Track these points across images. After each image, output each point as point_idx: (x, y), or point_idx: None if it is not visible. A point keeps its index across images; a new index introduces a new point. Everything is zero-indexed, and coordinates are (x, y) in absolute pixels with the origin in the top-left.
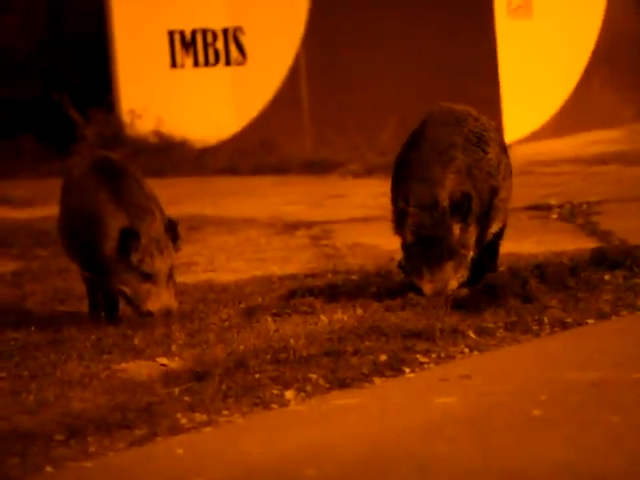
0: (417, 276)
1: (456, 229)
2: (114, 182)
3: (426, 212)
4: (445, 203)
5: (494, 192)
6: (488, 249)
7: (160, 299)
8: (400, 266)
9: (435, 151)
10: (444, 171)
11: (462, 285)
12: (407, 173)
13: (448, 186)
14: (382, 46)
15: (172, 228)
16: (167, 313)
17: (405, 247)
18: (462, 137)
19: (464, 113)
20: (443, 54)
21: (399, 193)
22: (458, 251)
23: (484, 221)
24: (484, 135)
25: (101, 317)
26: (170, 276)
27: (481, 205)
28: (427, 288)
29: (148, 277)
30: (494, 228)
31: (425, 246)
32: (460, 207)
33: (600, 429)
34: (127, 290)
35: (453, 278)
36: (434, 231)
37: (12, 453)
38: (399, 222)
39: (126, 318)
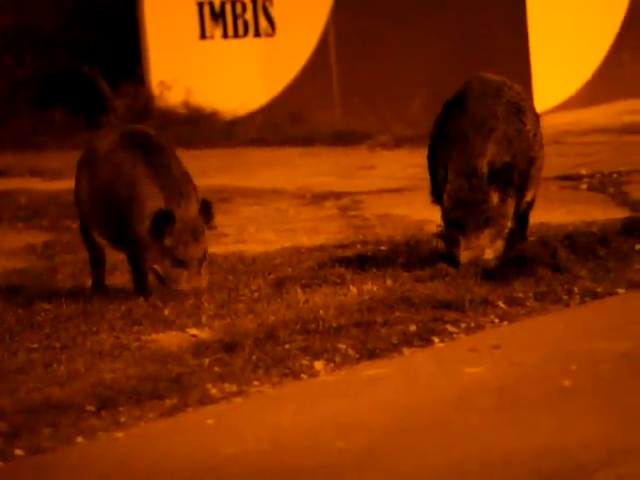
0: (454, 243)
1: (494, 197)
2: (150, 157)
3: (465, 180)
4: (484, 171)
5: (532, 162)
6: (519, 218)
7: (191, 283)
8: (439, 235)
9: (476, 121)
10: (484, 141)
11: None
12: (447, 142)
13: (488, 156)
14: (411, 17)
15: (206, 209)
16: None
17: (444, 214)
18: (502, 107)
19: (500, 83)
20: (473, 24)
21: (438, 162)
22: (496, 219)
23: (521, 191)
24: (522, 105)
25: (104, 289)
26: (203, 259)
27: (520, 176)
28: (463, 256)
29: (180, 262)
30: (528, 197)
31: (463, 214)
32: (499, 176)
33: (630, 399)
34: (159, 269)
35: (489, 247)
36: (472, 197)
37: (44, 424)
38: (437, 190)
39: (156, 289)
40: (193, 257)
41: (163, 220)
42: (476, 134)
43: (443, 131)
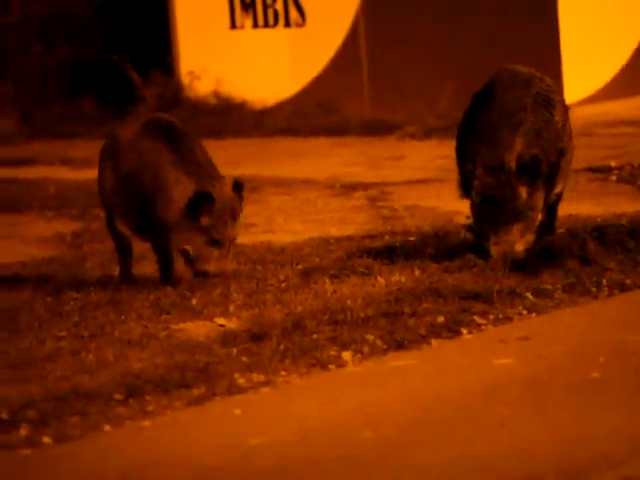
0: (484, 238)
1: (523, 192)
2: (175, 144)
3: (493, 174)
4: (512, 165)
5: (561, 154)
6: (548, 210)
7: (220, 263)
8: (469, 228)
9: (504, 114)
10: (513, 134)
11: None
12: (475, 135)
13: (516, 149)
14: (442, 8)
15: (238, 189)
16: (222, 274)
17: (473, 209)
18: (531, 99)
19: (530, 75)
20: (504, 17)
21: (466, 155)
22: (525, 214)
23: (550, 183)
24: (551, 97)
25: (131, 278)
26: (234, 241)
27: (549, 168)
28: (493, 250)
29: (215, 242)
30: (558, 189)
31: (492, 208)
32: (527, 170)
33: None
34: (190, 249)
35: (519, 240)
36: (501, 193)
37: (72, 412)
38: (466, 184)
39: (183, 279)
40: (228, 237)
41: (202, 200)
42: (504, 127)
43: (471, 123)
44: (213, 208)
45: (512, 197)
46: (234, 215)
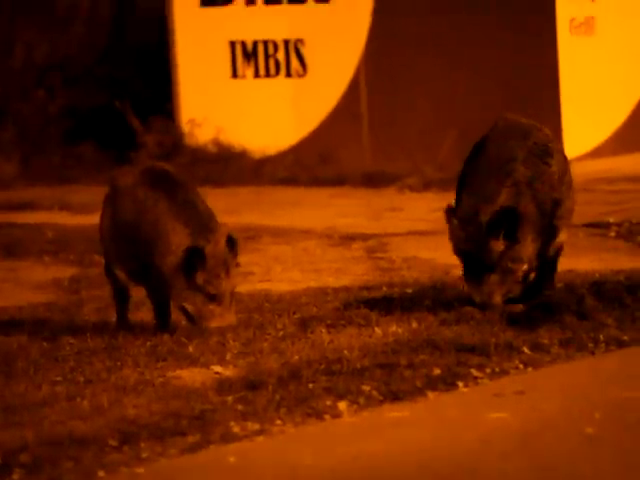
0: (468, 286)
1: (495, 245)
2: (172, 194)
3: (467, 226)
4: (484, 219)
5: (557, 204)
6: (548, 263)
7: (223, 320)
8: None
9: (494, 164)
10: (499, 185)
11: (518, 299)
12: (462, 186)
13: (500, 201)
14: (443, 61)
15: (232, 245)
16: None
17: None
18: (525, 150)
19: (529, 125)
20: (505, 70)
21: (450, 206)
22: (503, 266)
23: (548, 233)
24: (549, 147)
25: (128, 325)
26: (233, 294)
27: (542, 218)
28: (475, 298)
29: (213, 298)
30: (561, 237)
31: (466, 259)
32: (499, 224)
33: None
34: (189, 308)
35: (497, 292)
36: (471, 245)
37: (66, 457)
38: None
39: (180, 326)
40: (225, 291)
41: (194, 256)
42: (491, 178)
43: (462, 173)
44: (206, 264)
45: (482, 250)
46: (227, 269)
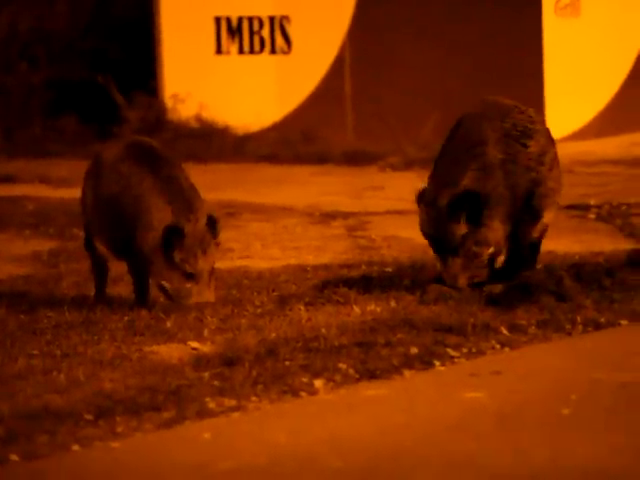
0: (439, 266)
1: (456, 229)
2: (157, 170)
3: (429, 210)
4: (443, 203)
5: (536, 184)
6: (531, 245)
7: (201, 297)
8: None
9: (462, 147)
10: (464, 168)
11: (497, 279)
12: (433, 169)
13: (463, 184)
14: (427, 41)
15: (212, 225)
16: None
17: None
18: (499, 131)
19: (509, 106)
20: (489, 50)
21: (421, 190)
22: (466, 250)
23: (528, 214)
24: (528, 127)
25: (106, 299)
26: (212, 273)
27: (514, 200)
28: (445, 277)
29: (190, 276)
30: (546, 218)
31: (431, 242)
32: (458, 207)
33: (629, 431)
34: (167, 285)
35: (461, 275)
36: (433, 229)
37: (41, 431)
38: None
39: (158, 301)
40: (203, 270)
41: (172, 235)
42: (458, 160)
43: (437, 156)
44: (183, 242)
45: (444, 234)
46: (204, 248)
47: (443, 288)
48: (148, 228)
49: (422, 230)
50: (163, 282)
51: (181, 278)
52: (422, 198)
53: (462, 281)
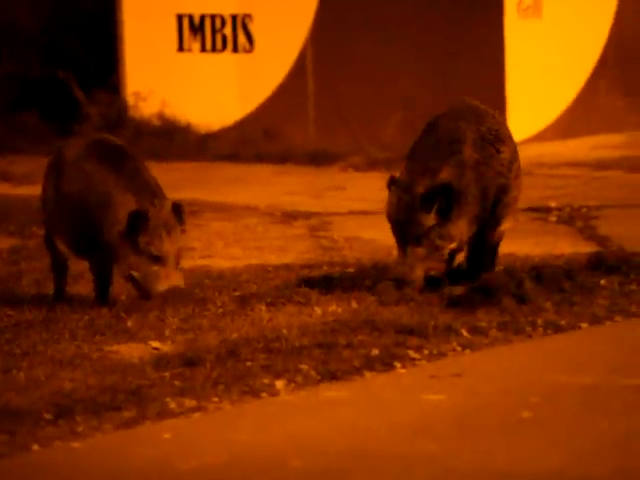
0: (398, 253)
1: (425, 219)
2: (119, 165)
3: (402, 195)
4: (419, 190)
5: (504, 191)
6: (490, 249)
7: (169, 280)
8: None
9: (441, 142)
10: (442, 162)
11: (456, 282)
12: (408, 158)
13: (440, 177)
14: (389, 40)
15: (178, 212)
16: (176, 291)
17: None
18: (476, 133)
19: (484, 110)
20: (451, 51)
21: (395, 176)
22: (430, 241)
23: (491, 219)
24: (500, 133)
25: (66, 298)
26: (178, 257)
27: (483, 202)
28: (392, 268)
29: (157, 259)
30: (505, 225)
31: (396, 228)
32: (433, 197)
33: (588, 434)
34: (135, 274)
35: (419, 266)
36: (402, 214)
37: (1, 430)
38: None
39: (119, 300)
40: (169, 252)
41: (136, 219)
42: (436, 154)
43: (412, 147)
44: (148, 225)
45: (411, 221)
46: (169, 230)
47: (393, 286)
48: (114, 222)
49: (389, 215)
50: (130, 271)
51: (148, 262)
52: (394, 183)
53: (418, 271)
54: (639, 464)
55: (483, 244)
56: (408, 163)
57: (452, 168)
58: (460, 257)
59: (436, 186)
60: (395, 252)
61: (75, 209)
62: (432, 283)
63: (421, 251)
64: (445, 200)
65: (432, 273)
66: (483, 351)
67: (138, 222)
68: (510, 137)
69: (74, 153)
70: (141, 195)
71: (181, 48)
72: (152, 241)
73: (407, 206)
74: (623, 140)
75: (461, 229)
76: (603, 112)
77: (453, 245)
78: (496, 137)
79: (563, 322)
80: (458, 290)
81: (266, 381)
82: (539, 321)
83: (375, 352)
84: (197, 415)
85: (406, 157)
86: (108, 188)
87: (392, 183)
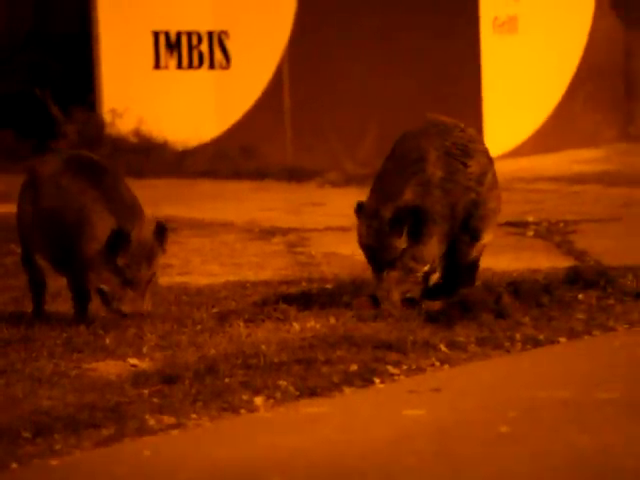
0: (373, 280)
1: (397, 242)
2: (98, 181)
3: (370, 222)
4: (386, 215)
5: (476, 205)
6: (470, 264)
7: (135, 305)
8: None
9: (402, 163)
10: (404, 183)
11: (436, 297)
12: (374, 183)
13: (403, 199)
14: (366, 57)
15: (161, 232)
16: (139, 316)
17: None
18: (440, 149)
19: (451, 125)
20: (427, 67)
21: (361, 202)
22: (404, 264)
23: (468, 234)
24: (468, 147)
25: (44, 315)
26: (150, 282)
27: (452, 219)
28: (376, 292)
29: (129, 282)
30: (485, 239)
31: (369, 255)
32: (401, 221)
33: (567, 448)
34: (105, 288)
35: (395, 290)
36: (373, 241)
37: None
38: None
39: (97, 317)
40: (142, 279)
41: (118, 239)
42: (398, 176)
43: (378, 171)
44: (129, 248)
45: (383, 246)
46: (150, 257)
47: (370, 301)
48: (91, 239)
49: (360, 242)
50: (100, 285)
51: (120, 282)
52: (362, 211)
53: (395, 295)
54: (620, 478)
55: (457, 260)
56: (373, 187)
57: (414, 188)
58: (435, 277)
59: (402, 208)
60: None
61: (53, 225)
62: (408, 301)
63: (396, 274)
64: (414, 222)
65: (409, 295)
66: (462, 366)
67: (119, 242)
68: (480, 150)
69: (50, 169)
70: (120, 213)
71: (157, 65)
72: (130, 265)
73: (377, 232)
74: (599, 154)
75: (433, 249)
76: (580, 127)
77: (426, 268)
78: (463, 151)
79: (541, 337)
80: (436, 305)
81: (245, 397)
82: (517, 336)
83: (354, 368)
84: (176, 432)
85: (373, 181)
86: (85, 203)
87: (359, 210)
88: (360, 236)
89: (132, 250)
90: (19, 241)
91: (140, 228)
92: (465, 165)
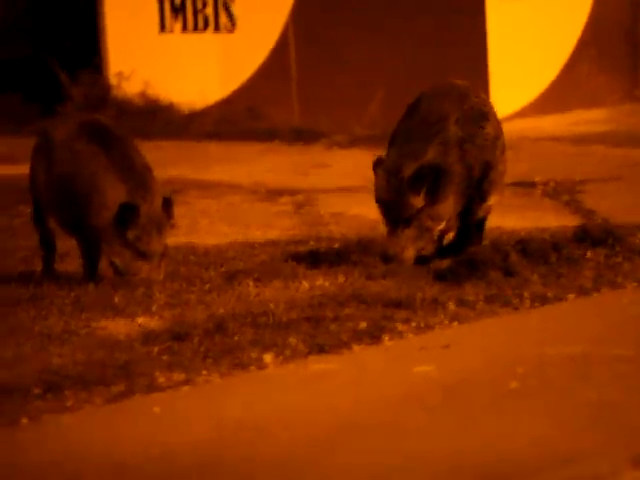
0: (385, 237)
1: (415, 200)
2: (111, 149)
3: (390, 178)
4: (407, 173)
5: (489, 167)
6: (476, 224)
7: (149, 275)
8: None
9: (425, 122)
10: (427, 143)
11: (444, 255)
12: (393, 140)
13: (426, 158)
14: (372, 19)
15: (168, 206)
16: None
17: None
18: (459, 111)
19: (466, 88)
20: (433, 30)
21: (380, 157)
22: (420, 222)
23: (478, 195)
24: (484, 110)
25: (53, 274)
26: (163, 254)
27: (469, 179)
28: (383, 251)
29: (142, 254)
30: (491, 201)
31: (385, 210)
32: (421, 179)
33: (576, 404)
34: (117, 261)
35: (410, 247)
36: (391, 197)
37: None
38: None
39: (106, 277)
40: (155, 251)
41: (128, 212)
42: (420, 135)
43: (395, 129)
44: (139, 221)
45: (401, 203)
46: (159, 229)
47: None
48: (102, 207)
49: (377, 197)
50: (113, 257)
51: (132, 255)
52: (380, 165)
53: (410, 253)
54: (627, 434)
55: (470, 220)
56: (393, 145)
57: (437, 147)
58: (449, 236)
59: (424, 168)
60: (382, 228)
61: (65, 189)
62: (420, 259)
63: (412, 232)
64: (433, 181)
65: (422, 253)
66: (470, 324)
67: (129, 215)
68: (493, 114)
69: (64, 134)
70: (131, 183)
71: (163, 29)
72: (141, 237)
73: (395, 189)
74: (604, 116)
75: (449, 208)
76: (586, 89)
77: (442, 226)
78: (479, 114)
79: (550, 294)
80: (445, 264)
81: (254, 355)
82: (526, 293)
83: (363, 325)
84: (186, 389)
85: (390, 138)
86: (97, 170)
87: (378, 165)
88: (377, 191)
89: (142, 222)
90: (30, 201)
91: (151, 199)
92: (481, 128)
